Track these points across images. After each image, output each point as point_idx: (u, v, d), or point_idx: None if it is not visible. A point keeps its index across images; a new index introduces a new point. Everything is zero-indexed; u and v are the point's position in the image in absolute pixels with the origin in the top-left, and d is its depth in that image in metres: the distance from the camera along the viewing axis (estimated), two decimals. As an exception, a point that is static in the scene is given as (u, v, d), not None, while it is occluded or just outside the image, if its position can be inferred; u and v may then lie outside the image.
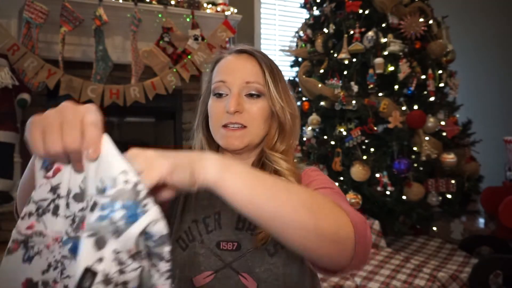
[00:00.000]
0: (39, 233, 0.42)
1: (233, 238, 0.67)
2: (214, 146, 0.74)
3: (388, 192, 2.09)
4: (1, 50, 2.58)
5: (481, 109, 3.29)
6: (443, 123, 2.29)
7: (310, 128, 2.43)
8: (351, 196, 2.08)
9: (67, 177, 0.41)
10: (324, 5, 2.58)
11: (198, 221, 0.70)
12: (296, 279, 0.64)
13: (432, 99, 2.28)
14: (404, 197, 2.12)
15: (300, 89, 2.68)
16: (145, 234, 0.37)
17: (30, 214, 0.43)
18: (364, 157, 2.14)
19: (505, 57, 3.32)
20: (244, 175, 0.44)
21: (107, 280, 0.35)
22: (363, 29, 2.30)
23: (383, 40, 2.26)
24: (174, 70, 3.03)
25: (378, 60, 2.20)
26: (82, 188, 0.40)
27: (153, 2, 3.18)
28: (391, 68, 2.21)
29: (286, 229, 0.45)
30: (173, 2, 3.24)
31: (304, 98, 2.64)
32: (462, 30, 3.38)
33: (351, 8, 2.33)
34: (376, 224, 2.13)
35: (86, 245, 0.36)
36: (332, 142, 2.28)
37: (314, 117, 2.38)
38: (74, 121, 0.37)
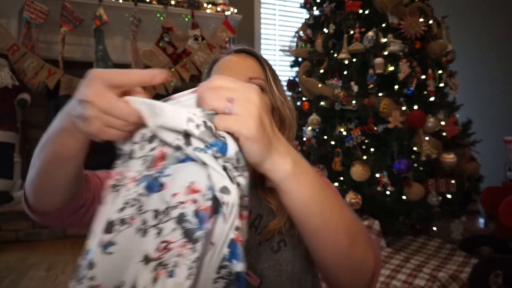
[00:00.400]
0: (121, 174, 0.43)
1: None
2: None
3: (388, 192, 2.09)
4: (1, 50, 2.59)
5: (481, 109, 3.29)
6: (443, 123, 2.29)
7: (310, 128, 2.43)
8: (351, 196, 2.08)
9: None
10: (324, 5, 2.58)
11: None
12: (298, 276, 0.65)
13: (432, 99, 2.28)
14: (404, 197, 2.12)
15: (300, 89, 2.68)
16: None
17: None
18: (364, 157, 2.14)
19: (505, 57, 3.32)
20: (311, 180, 0.43)
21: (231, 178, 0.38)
22: (363, 29, 2.30)
23: (383, 40, 2.26)
24: (173, 69, 3.03)
25: (378, 60, 2.20)
26: (152, 131, 0.41)
27: (153, 2, 3.18)
28: (391, 68, 2.21)
29: (323, 243, 0.46)
30: (173, 2, 3.24)
31: (304, 98, 2.64)
32: (462, 30, 3.38)
33: (351, 8, 2.32)
34: (376, 224, 2.13)
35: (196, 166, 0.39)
36: (332, 142, 2.28)
37: (314, 117, 2.38)
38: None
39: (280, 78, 0.78)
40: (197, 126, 0.38)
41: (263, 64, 0.71)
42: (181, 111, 0.38)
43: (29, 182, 0.55)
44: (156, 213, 0.40)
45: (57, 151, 0.47)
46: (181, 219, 0.39)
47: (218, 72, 0.71)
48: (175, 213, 0.39)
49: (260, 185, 0.68)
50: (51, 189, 0.53)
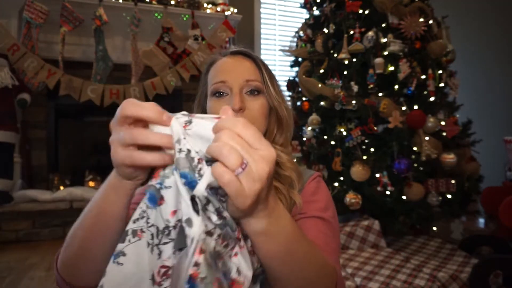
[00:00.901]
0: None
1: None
2: None
3: (388, 192, 2.09)
4: (1, 50, 2.59)
5: (481, 109, 3.29)
6: (443, 123, 2.29)
7: (310, 128, 2.43)
8: (351, 196, 2.08)
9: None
10: (324, 5, 2.58)
11: None
12: None
13: (432, 99, 2.28)
14: (404, 197, 2.12)
15: (300, 89, 2.68)
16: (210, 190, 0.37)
17: None
18: (364, 157, 2.14)
19: (505, 57, 3.32)
20: (282, 240, 0.44)
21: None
22: (363, 29, 2.30)
23: (383, 40, 2.26)
24: (170, 69, 3.03)
25: (378, 60, 2.20)
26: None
27: (153, 2, 3.18)
28: (391, 68, 2.21)
29: (288, 284, 0.48)
30: (173, 2, 3.24)
31: (304, 98, 2.64)
32: (462, 30, 3.38)
33: (351, 8, 2.32)
34: (376, 224, 2.13)
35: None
36: (332, 142, 2.28)
37: (314, 117, 2.38)
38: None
39: (279, 78, 0.78)
40: (180, 150, 0.37)
41: (260, 65, 0.71)
42: (178, 129, 0.38)
43: (66, 259, 0.54)
44: (158, 230, 0.39)
45: (101, 211, 0.48)
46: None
47: (215, 75, 0.69)
48: (174, 234, 0.39)
49: None
50: (93, 259, 0.51)
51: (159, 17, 3.09)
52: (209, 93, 0.70)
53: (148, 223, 0.41)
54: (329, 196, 0.72)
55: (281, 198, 0.65)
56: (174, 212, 0.38)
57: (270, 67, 0.75)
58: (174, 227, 0.39)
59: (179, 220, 0.38)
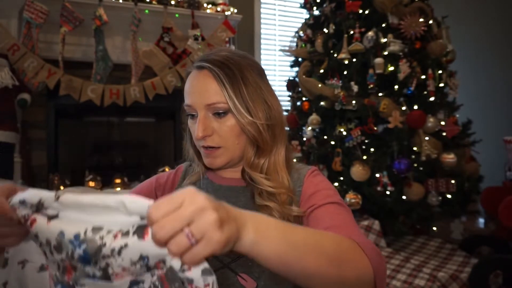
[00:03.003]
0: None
1: None
2: (203, 161, 0.73)
3: (388, 192, 2.09)
4: (1, 50, 2.59)
5: (481, 109, 3.29)
6: (443, 123, 2.29)
7: (310, 128, 2.43)
8: (351, 196, 2.08)
9: (43, 229, 0.41)
10: (324, 5, 2.58)
11: None
12: None
13: (432, 99, 2.28)
14: (404, 197, 2.12)
15: (300, 89, 2.68)
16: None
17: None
18: (364, 157, 2.14)
19: (505, 57, 3.32)
20: (277, 241, 0.43)
21: None
22: (363, 29, 2.30)
23: (383, 40, 2.26)
24: (170, 69, 3.03)
25: (378, 60, 2.20)
26: (58, 241, 0.40)
27: (153, 2, 3.18)
28: (391, 68, 2.21)
29: (311, 281, 0.47)
30: (173, 2, 3.24)
31: (304, 98, 2.64)
32: (462, 30, 3.38)
33: (351, 8, 2.32)
34: (376, 224, 2.13)
35: None
36: (332, 142, 2.28)
37: (314, 117, 2.38)
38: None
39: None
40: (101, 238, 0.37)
41: (223, 81, 0.63)
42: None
43: None
44: None
45: None
46: None
47: (185, 94, 0.68)
48: None
49: None
50: None
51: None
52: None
53: None
54: (330, 184, 0.71)
55: (275, 215, 0.64)
56: None
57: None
58: None
59: None
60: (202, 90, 0.65)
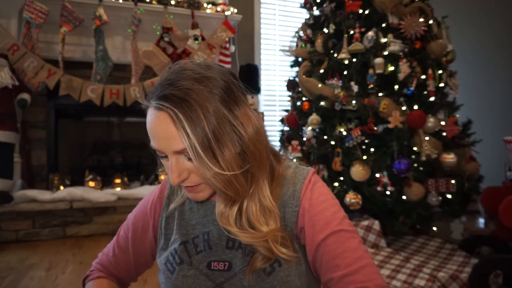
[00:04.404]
0: None
1: (224, 258, 0.66)
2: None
3: (388, 192, 2.09)
4: (1, 50, 2.59)
5: (481, 109, 3.29)
6: (443, 123, 2.29)
7: (310, 128, 2.43)
8: (351, 196, 2.08)
9: None
10: (324, 5, 2.58)
11: (187, 241, 0.69)
12: None
13: (432, 99, 2.28)
14: (404, 197, 2.12)
15: (300, 89, 2.68)
16: None
17: None
18: (364, 157, 2.14)
19: (505, 57, 3.32)
20: None
21: None
22: (363, 29, 2.30)
23: (383, 40, 2.26)
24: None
25: (378, 60, 2.20)
26: None
27: (153, 2, 3.18)
28: (391, 68, 2.21)
29: None
30: (173, 2, 3.24)
31: (304, 98, 2.64)
32: (462, 30, 3.38)
33: (351, 8, 2.32)
34: (376, 224, 2.13)
35: None
36: (332, 142, 2.28)
37: (314, 117, 2.38)
38: None
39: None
40: None
41: (184, 127, 0.55)
42: None
43: None
44: None
45: None
46: None
47: (149, 134, 0.61)
48: None
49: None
50: None
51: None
52: None
53: None
54: (330, 195, 0.67)
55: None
56: None
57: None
58: None
59: None
60: (165, 136, 0.58)
